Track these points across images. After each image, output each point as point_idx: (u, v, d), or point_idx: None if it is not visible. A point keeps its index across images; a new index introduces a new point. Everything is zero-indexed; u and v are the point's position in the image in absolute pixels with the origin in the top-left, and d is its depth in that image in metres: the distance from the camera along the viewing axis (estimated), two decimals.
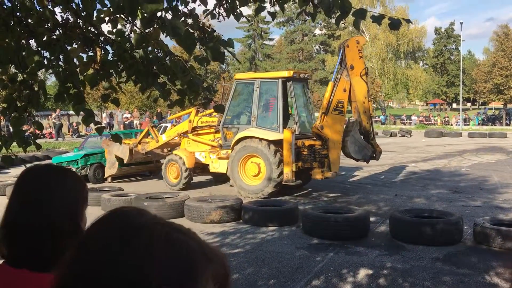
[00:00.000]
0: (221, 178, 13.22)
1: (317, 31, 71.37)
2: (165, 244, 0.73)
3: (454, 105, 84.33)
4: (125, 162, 14.02)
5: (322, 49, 72.83)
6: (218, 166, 12.67)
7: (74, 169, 14.06)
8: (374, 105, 60.85)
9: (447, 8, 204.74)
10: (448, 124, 46.76)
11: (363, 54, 12.17)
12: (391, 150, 23.87)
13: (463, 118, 46.02)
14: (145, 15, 2.07)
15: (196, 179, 13.56)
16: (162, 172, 13.40)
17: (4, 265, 1.34)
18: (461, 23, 52.65)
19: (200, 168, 13.23)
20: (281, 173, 11.16)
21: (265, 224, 8.64)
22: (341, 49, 11.66)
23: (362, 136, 11.60)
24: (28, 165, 2.02)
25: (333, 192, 12.32)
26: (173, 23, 1.88)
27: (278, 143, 11.30)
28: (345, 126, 11.78)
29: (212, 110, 12.59)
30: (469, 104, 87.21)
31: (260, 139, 11.43)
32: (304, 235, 7.97)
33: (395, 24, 2.57)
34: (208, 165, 13.02)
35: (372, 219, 8.58)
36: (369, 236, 7.89)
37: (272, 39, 74.49)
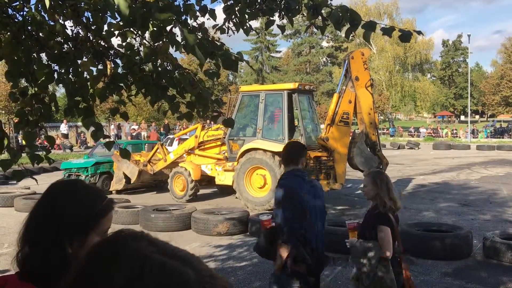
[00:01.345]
0: (227, 190, 13.19)
1: (324, 44, 71.65)
2: (157, 274, 0.71)
3: (462, 118, 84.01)
4: (132, 182, 14.00)
5: (329, 61, 73.05)
6: (224, 178, 12.65)
7: (83, 177, 14.15)
8: (382, 117, 60.89)
9: (455, 20, 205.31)
10: (456, 136, 46.53)
11: (370, 65, 12.32)
12: (399, 163, 23.76)
13: (471, 130, 45.77)
14: (155, 28, 2.09)
15: (203, 191, 13.54)
16: (168, 184, 13.39)
17: (13, 276, 1.34)
18: (469, 36, 52.54)
19: (207, 180, 13.20)
20: None
21: None
22: (346, 61, 11.73)
23: (368, 148, 11.55)
24: (35, 176, 2.03)
25: (340, 204, 12.24)
26: (185, 35, 1.88)
27: None
28: (351, 137, 11.77)
29: (218, 125, 12.77)
30: (477, 117, 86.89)
31: (265, 150, 11.43)
32: None
33: (406, 36, 2.56)
34: (214, 177, 13.00)
35: None
36: None
37: (279, 52, 74.94)
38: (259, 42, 70.05)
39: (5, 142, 2.38)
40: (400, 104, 64.93)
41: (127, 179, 14.02)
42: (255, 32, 66.90)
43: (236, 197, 12.20)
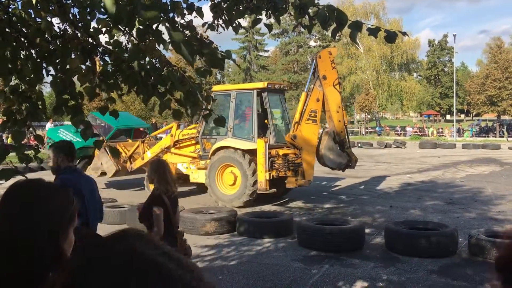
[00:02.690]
0: (205, 188, 13.32)
1: (312, 43, 71.76)
2: (162, 279, 0.71)
3: (448, 117, 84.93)
4: (107, 177, 14.32)
5: None
6: (197, 176, 12.98)
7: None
8: (369, 116, 61.30)
9: (441, 20, 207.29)
10: (442, 135, 46.99)
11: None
12: (386, 161, 23.95)
13: (457, 129, 46.26)
14: (141, 26, 2.08)
15: (183, 189, 13.65)
16: (145, 182, 13.64)
17: None
18: (454, 36, 53.08)
19: (182, 178, 13.42)
20: (256, 182, 11.42)
21: (260, 236, 8.60)
22: (314, 60, 11.96)
23: (337, 145, 11.72)
24: (21, 177, 1.97)
25: (328, 203, 12.31)
26: (171, 33, 1.88)
27: (253, 153, 11.58)
28: (320, 135, 12.03)
29: (193, 124, 12.90)
30: (462, 116, 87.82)
31: (235, 149, 11.75)
32: (299, 247, 7.94)
33: (391, 37, 2.59)
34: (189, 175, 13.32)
35: (367, 230, 8.56)
36: (364, 248, 7.87)
37: (267, 51, 74.88)
38: (247, 41, 69.97)
39: None
40: (386, 103, 65.42)
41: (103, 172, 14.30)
42: (245, 30, 66.85)
43: (211, 196, 12.33)
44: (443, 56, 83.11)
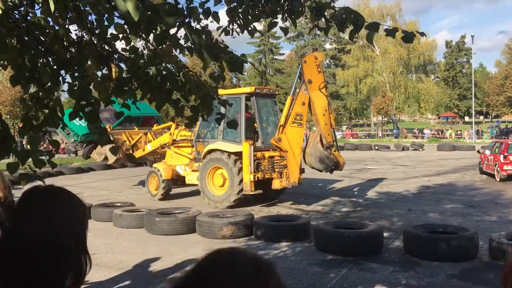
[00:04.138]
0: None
1: (328, 46, 71.62)
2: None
3: (467, 118, 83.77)
4: (108, 163, 16.10)
5: (332, 63, 72.98)
6: (192, 178, 13.54)
7: (72, 139, 15.35)
8: (386, 119, 60.79)
9: (458, 21, 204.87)
10: (461, 137, 46.37)
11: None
12: (403, 164, 23.71)
13: (476, 131, 45.60)
14: (158, 32, 2.09)
15: (192, 191, 14.21)
16: (145, 183, 14.44)
17: None
18: (472, 36, 52.38)
19: (181, 180, 14.00)
20: (241, 181, 11.91)
21: (277, 239, 8.57)
22: (300, 65, 12.23)
23: (325, 148, 11.75)
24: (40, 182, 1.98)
25: (345, 207, 12.23)
26: (193, 38, 1.88)
27: (240, 155, 12.03)
28: (307, 138, 12.32)
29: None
30: (481, 117, 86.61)
31: (223, 151, 12.29)
32: (317, 251, 7.89)
33: (408, 37, 2.55)
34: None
35: (385, 234, 8.47)
36: (382, 252, 7.78)
37: (283, 54, 74.88)
38: (263, 44, 70.07)
39: (13, 145, 2.38)
40: (404, 106, 64.78)
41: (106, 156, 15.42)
42: (260, 33, 67.06)
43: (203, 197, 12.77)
44: (460, 57, 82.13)
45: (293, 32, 69.78)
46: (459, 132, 48.53)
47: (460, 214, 10.85)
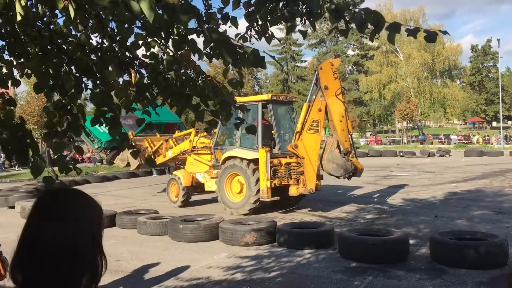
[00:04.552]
0: None
1: (350, 52, 71.22)
2: None
3: (494, 124, 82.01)
4: (130, 169, 16.47)
5: (355, 69, 72.55)
6: (211, 185, 13.62)
7: (96, 146, 15.79)
8: (411, 125, 59.93)
9: (484, 25, 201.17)
10: (489, 143, 45.37)
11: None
12: (429, 171, 23.30)
13: (504, 136, 44.55)
14: (176, 37, 2.10)
15: (212, 198, 14.24)
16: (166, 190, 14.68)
17: None
18: (498, 40, 51.23)
19: (201, 187, 14.13)
20: (259, 190, 11.94)
21: (300, 247, 8.50)
22: (316, 72, 12.22)
23: (342, 154, 11.63)
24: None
25: (369, 214, 12.07)
26: (208, 33, 1.88)
27: (258, 162, 12.08)
28: (325, 144, 12.22)
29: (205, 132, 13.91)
30: (510, 122, 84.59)
31: (241, 158, 12.34)
32: (341, 258, 7.78)
33: (431, 36, 2.50)
34: None
35: (411, 241, 8.31)
36: (408, 259, 7.62)
37: (305, 61, 74.78)
38: (284, 52, 70.17)
39: (30, 153, 2.42)
40: (429, 111, 63.79)
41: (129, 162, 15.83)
42: (279, 41, 67.13)
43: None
44: (487, 62, 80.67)
45: (314, 38, 69.74)
46: (486, 137, 47.48)
47: (489, 220, 10.57)
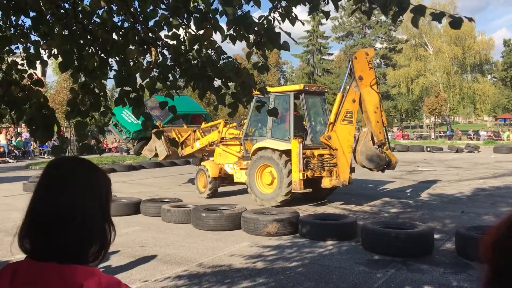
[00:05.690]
0: None
1: (378, 45, 70.15)
2: None
3: None
4: (157, 160, 16.69)
5: (383, 62, 71.48)
6: (240, 176, 13.48)
7: (124, 136, 15.91)
8: (439, 120, 58.82)
9: None
10: None
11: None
12: (457, 166, 22.86)
13: None
14: (197, 15, 2.09)
15: (241, 189, 14.31)
16: (194, 181, 14.65)
17: (29, 260, 1.26)
18: None
19: (229, 179, 14.02)
20: (291, 182, 11.70)
21: (323, 238, 8.46)
22: (350, 61, 12.00)
23: (376, 146, 11.42)
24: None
25: (394, 208, 11.91)
26: (224, 8, 1.87)
27: (290, 154, 11.87)
28: (359, 135, 12.01)
29: (235, 123, 13.93)
30: None
31: (273, 149, 12.14)
32: (364, 251, 7.71)
33: (456, 22, 2.44)
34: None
35: (436, 236, 8.17)
36: (433, 254, 7.50)
37: (331, 54, 74.09)
38: (311, 45, 69.66)
39: (55, 129, 2.46)
40: (458, 107, 62.42)
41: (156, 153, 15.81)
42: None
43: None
44: None
45: (342, 31, 68.97)
46: None
47: None
